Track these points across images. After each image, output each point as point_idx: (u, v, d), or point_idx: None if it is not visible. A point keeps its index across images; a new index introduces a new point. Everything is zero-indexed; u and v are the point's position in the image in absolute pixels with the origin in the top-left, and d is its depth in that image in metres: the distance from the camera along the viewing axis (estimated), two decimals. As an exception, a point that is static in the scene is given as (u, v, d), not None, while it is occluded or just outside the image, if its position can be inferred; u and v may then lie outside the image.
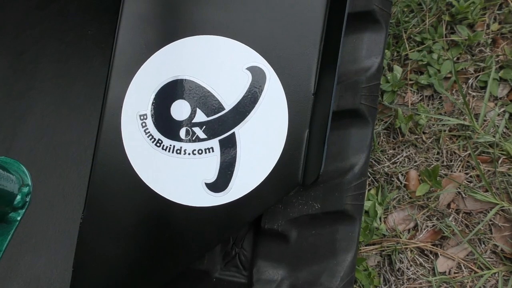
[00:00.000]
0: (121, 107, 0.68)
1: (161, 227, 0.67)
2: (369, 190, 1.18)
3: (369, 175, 1.19)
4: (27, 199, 0.48)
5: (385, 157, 1.20)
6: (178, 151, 0.67)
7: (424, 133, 1.20)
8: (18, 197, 0.48)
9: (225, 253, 0.76)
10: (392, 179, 1.18)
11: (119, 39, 0.69)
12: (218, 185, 0.66)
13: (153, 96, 0.68)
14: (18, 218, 0.48)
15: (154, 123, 0.67)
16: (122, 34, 0.69)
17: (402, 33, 1.26)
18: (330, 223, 0.73)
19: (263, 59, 0.66)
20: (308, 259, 0.73)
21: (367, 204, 1.15)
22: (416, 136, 1.20)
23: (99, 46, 0.98)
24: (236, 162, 0.66)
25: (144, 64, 0.68)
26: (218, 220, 0.65)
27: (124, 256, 0.68)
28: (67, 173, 0.85)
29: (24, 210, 0.48)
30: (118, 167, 0.68)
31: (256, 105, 0.66)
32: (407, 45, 1.25)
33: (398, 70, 1.24)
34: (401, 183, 1.18)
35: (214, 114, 0.66)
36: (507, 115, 1.18)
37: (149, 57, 0.68)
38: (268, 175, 0.65)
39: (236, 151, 0.66)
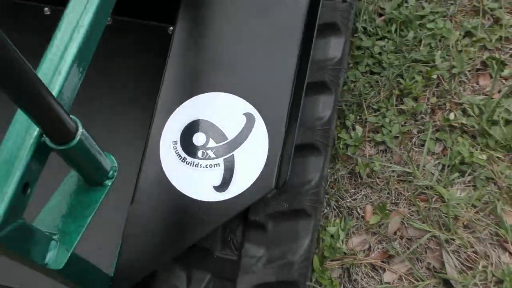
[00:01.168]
0: (160, 135, 1.05)
1: (183, 214, 1.01)
2: (334, 220, 1.52)
3: (335, 208, 1.54)
4: (115, 174, 0.82)
5: (348, 195, 1.55)
6: (196, 165, 1.02)
7: (378, 177, 1.56)
8: (111, 171, 0.82)
9: (223, 239, 1.09)
10: (353, 211, 1.53)
11: (161, 92, 1.07)
12: (221, 188, 1.01)
13: (182, 129, 1.04)
14: (109, 184, 0.81)
15: (181, 146, 1.04)
16: (164, 89, 1.07)
17: (363, 102, 1.65)
18: (294, 218, 1.08)
19: (253, 108, 1.03)
20: (279, 242, 1.07)
21: (333, 229, 1.49)
22: (372, 180, 1.56)
23: (138, 100, 1.36)
24: (234, 173, 1.01)
25: (177, 108, 1.06)
26: (221, 209, 1.00)
27: (158, 233, 1.02)
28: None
29: (113, 180, 0.81)
30: (156, 175, 1.03)
31: (249, 137, 1.02)
32: (366, 111, 1.64)
33: (359, 130, 1.62)
34: (359, 214, 1.52)
35: (221, 142, 1.03)
36: (440, 166, 1.54)
37: (180, 104, 1.06)
38: (254, 181, 1.00)
39: (234, 166, 1.02)
